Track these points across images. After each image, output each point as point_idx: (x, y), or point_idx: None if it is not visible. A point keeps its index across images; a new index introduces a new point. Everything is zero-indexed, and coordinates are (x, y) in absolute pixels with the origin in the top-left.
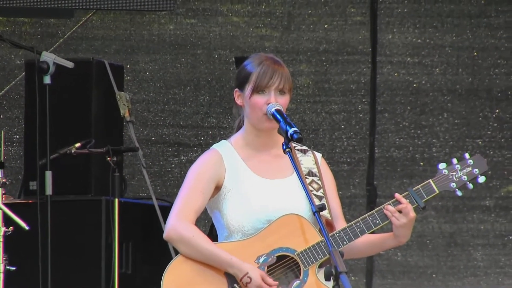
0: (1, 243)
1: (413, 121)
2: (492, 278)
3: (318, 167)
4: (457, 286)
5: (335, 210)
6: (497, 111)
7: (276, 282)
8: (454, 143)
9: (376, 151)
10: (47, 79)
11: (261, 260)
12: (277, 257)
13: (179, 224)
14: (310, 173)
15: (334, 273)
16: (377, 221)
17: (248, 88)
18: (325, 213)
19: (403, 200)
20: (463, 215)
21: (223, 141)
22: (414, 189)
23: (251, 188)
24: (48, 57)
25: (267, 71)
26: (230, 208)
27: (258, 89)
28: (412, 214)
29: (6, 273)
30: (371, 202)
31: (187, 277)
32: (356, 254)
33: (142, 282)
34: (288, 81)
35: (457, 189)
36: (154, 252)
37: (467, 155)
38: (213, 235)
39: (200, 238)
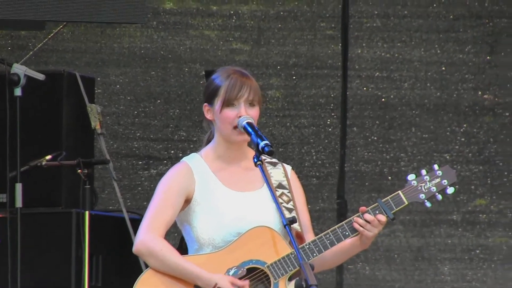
0: None
1: (382, 135)
2: None
3: (288, 180)
4: None
5: (304, 223)
6: (464, 125)
7: (247, 282)
8: (422, 157)
9: (345, 165)
10: (18, 91)
11: (231, 273)
12: (247, 269)
13: (148, 238)
14: (280, 186)
15: (304, 286)
16: (347, 233)
17: (218, 102)
18: (295, 225)
19: (367, 216)
20: (430, 229)
21: (193, 154)
22: (383, 200)
23: (222, 201)
24: (19, 69)
25: (235, 83)
26: (200, 221)
27: (228, 103)
28: (382, 224)
29: None
30: (341, 215)
31: None
32: (324, 266)
33: None
34: (257, 93)
35: (426, 200)
36: (124, 265)
37: (436, 166)
38: (182, 248)
39: (169, 252)
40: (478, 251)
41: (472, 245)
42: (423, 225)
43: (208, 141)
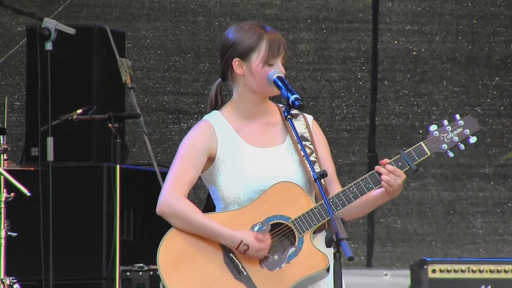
0: (2, 209)
1: (413, 89)
2: (491, 246)
3: (309, 131)
4: (456, 253)
5: (329, 174)
6: (496, 79)
7: (268, 234)
8: (453, 111)
9: (376, 118)
10: (48, 46)
11: (255, 229)
12: (271, 225)
13: (170, 198)
14: (302, 138)
15: (335, 239)
16: (370, 185)
17: (257, 59)
18: None
19: (389, 166)
20: (462, 183)
21: (214, 112)
22: (405, 152)
23: (245, 158)
24: (49, 23)
25: (275, 42)
26: (225, 180)
27: (269, 60)
28: (403, 175)
29: (8, 239)
30: (372, 169)
31: (182, 249)
32: (351, 216)
33: (143, 248)
34: (287, 51)
35: (448, 150)
36: (155, 219)
37: (457, 116)
38: (210, 206)
39: (192, 211)
40: (510, 204)
41: (504, 198)
42: (455, 178)
43: (215, 100)
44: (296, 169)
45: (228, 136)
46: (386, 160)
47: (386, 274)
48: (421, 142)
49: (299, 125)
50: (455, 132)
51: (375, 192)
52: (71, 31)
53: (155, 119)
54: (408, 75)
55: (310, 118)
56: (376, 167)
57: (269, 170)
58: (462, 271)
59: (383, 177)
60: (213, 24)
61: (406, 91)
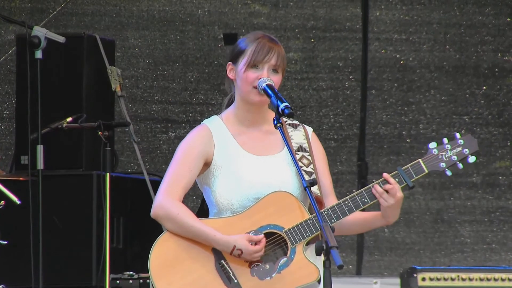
0: None
1: (400, 98)
2: (479, 254)
3: (308, 142)
4: (444, 262)
5: (325, 186)
6: (484, 88)
7: (262, 235)
8: (441, 120)
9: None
10: (38, 54)
11: None
12: (265, 234)
13: (165, 202)
14: (301, 149)
15: (324, 248)
16: (366, 200)
17: (242, 62)
18: (314, 189)
19: (391, 180)
20: (450, 192)
21: (213, 117)
22: (403, 168)
23: (240, 165)
24: (39, 31)
25: (263, 47)
26: (219, 185)
27: (252, 64)
28: (400, 194)
29: None
30: (362, 177)
31: (173, 253)
32: (345, 232)
33: (133, 256)
34: (283, 60)
35: (446, 169)
36: (145, 227)
37: (458, 135)
38: (204, 210)
39: (186, 215)
40: (498, 213)
41: (492, 207)
42: (443, 187)
43: (229, 104)
44: (292, 178)
45: (225, 142)
46: (387, 174)
47: (376, 282)
48: (419, 159)
49: (298, 135)
50: (454, 151)
51: (372, 214)
52: (61, 39)
53: (143, 128)
54: (395, 84)
55: (310, 130)
56: (374, 185)
57: (265, 178)
58: (452, 279)
59: (373, 191)
60: (201, 33)
61: (394, 100)
